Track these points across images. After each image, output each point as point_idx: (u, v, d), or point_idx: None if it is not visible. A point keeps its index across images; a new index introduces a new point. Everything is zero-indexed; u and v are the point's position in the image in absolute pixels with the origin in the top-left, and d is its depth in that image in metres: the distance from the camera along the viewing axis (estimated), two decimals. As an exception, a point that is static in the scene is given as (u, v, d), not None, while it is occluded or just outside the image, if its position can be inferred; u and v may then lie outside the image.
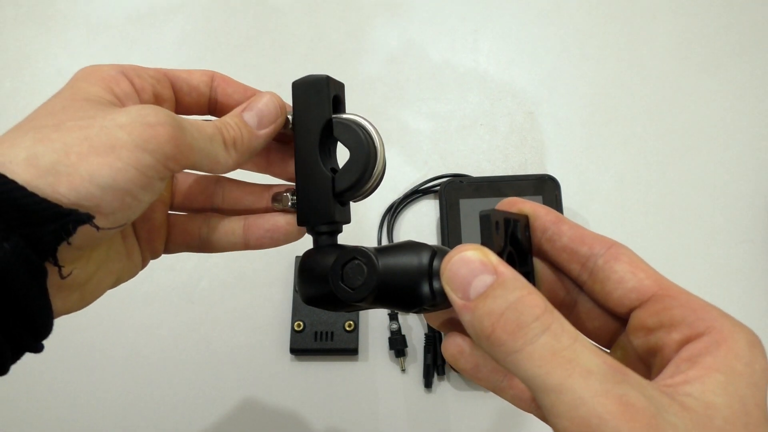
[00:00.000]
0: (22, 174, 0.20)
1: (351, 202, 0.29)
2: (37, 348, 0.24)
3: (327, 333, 0.51)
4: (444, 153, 0.59)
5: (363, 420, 0.50)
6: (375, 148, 0.27)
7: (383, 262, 0.25)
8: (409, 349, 0.52)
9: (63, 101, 0.23)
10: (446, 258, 0.21)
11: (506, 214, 0.24)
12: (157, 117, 0.22)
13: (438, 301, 0.24)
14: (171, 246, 0.31)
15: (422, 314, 0.28)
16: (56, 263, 0.22)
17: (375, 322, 0.53)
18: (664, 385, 0.18)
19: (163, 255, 0.31)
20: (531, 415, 0.52)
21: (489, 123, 0.60)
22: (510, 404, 0.49)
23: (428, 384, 0.51)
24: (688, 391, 0.18)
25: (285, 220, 0.29)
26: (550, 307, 0.19)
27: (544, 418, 0.22)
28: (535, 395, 0.18)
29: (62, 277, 0.23)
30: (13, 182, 0.20)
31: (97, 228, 0.22)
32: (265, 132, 0.27)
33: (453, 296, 0.20)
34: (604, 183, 0.57)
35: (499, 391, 0.26)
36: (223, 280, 0.55)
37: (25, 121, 0.23)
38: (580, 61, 0.62)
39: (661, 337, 0.21)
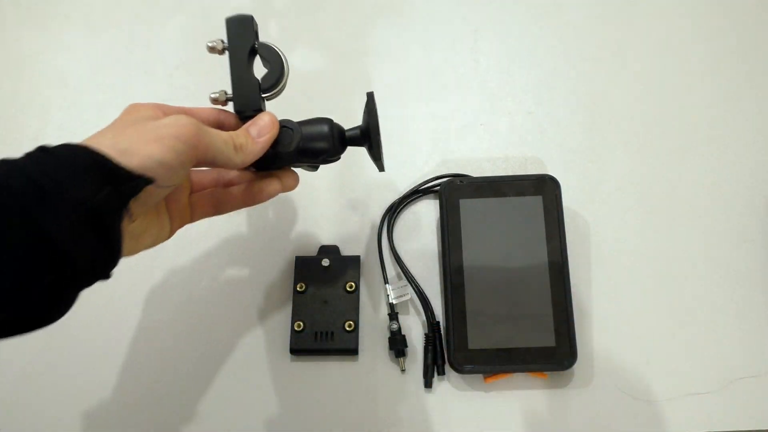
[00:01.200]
0: (108, 153, 0.30)
1: (266, 100, 0.43)
2: (108, 276, 0.33)
3: (327, 333, 0.51)
4: (444, 153, 0.59)
5: (363, 420, 0.50)
6: (284, 63, 0.42)
7: (303, 128, 0.41)
8: (409, 349, 0.52)
9: (126, 118, 0.37)
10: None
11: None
12: (187, 120, 0.34)
13: (335, 153, 0.43)
14: (195, 216, 0.44)
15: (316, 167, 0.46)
16: (128, 211, 0.32)
17: (375, 322, 0.53)
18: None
19: (178, 235, 0.44)
20: (531, 416, 0.52)
21: (489, 123, 0.60)
22: (509, 404, 0.49)
23: (428, 384, 0.51)
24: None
25: (267, 188, 0.43)
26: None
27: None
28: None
29: (131, 221, 0.34)
30: (106, 156, 0.30)
31: (156, 185, 0.33)
32: (263, 139, 0.40)
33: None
34: (604, 183, 0.57)
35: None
36: (223, 280, 0.55)
37: (104, 128, 0.35)
38: (580, 61, 0.62)
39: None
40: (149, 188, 0.32)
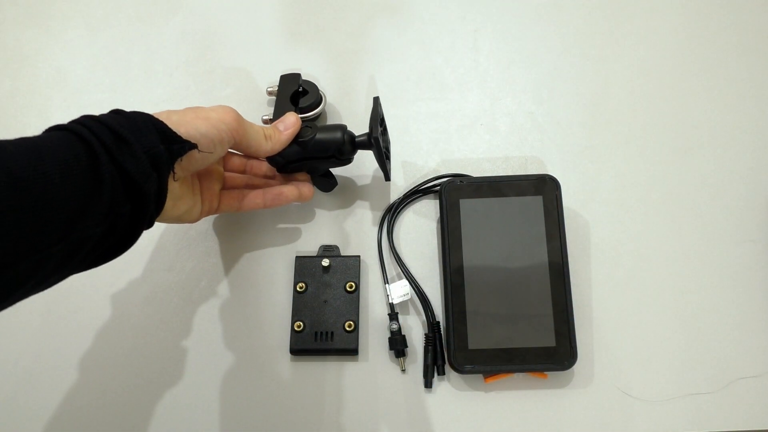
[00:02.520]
0: (164, 122, 0.39)
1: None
2: (152, 223, 0.41)
3: (327, 333, 0.51)
4: (444, 153, 0.59)
5: (363, 420, 0.50)
6: (322, 95, 0.59)
7: (320, 131, 0.50)
8: (409, 349, 0.52)
9: (182, 109, 0.44)
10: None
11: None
12: (231, 109, 0.45)
13: (346, 153, 0.51)
14: (221, 207, 0.51)
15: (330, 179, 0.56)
16: (173, 170, 0.40)
17: (375, 322, 0.53)
18: None
19: (195, 228, 0.55)
20: (533, 417, 0.52)
21: (489, 123, 0.60)
22: (509, 404, 0.49)
23: (428, 384, 0.51)
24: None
25: (286, 191, 0.52)
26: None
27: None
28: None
29: (174, 180, 0.41)
30: (163, 122, 0.39)
31: (198, 150, 0.41)
32: (288, 132, 0.49)
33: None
34: (604, 183, 0.57)
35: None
36: (222, 280, 0.55)
37: (163, 111, 0.41)
38: (580, 61, 0.62)
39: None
40: (192, 153, 0.41)
